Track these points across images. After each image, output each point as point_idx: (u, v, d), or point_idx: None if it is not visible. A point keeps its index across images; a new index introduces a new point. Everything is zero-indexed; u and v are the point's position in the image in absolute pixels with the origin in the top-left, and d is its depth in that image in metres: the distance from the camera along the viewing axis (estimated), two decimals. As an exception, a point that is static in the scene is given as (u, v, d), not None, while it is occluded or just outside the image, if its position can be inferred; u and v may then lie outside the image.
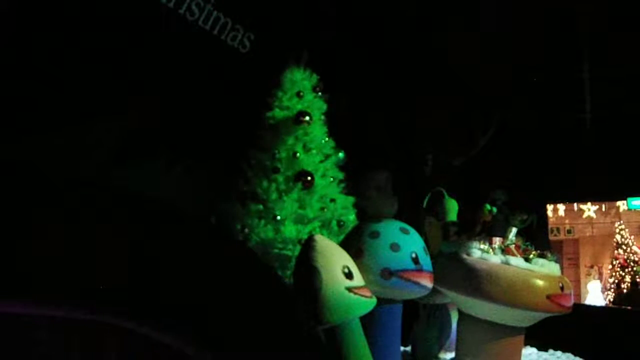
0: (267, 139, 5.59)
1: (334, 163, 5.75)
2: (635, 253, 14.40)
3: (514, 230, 4.73)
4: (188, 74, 6.68)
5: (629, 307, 12.31)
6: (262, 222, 5.22)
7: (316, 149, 5.65)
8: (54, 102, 5.65)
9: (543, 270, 4.45)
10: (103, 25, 5.91)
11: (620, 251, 14.48)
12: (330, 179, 5.63)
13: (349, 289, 3.70)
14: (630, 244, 14.49)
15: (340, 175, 5.75)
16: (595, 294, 14.47)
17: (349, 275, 3.74)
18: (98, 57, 5.90)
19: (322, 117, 5.80)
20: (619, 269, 14.34)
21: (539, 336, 5.42)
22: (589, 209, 15.52)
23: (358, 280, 3.81)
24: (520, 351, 4.76)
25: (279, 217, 5.19)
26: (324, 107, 5.82)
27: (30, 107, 5.53)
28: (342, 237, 4.77)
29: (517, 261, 4.43)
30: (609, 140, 12.36)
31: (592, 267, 15.51)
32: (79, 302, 2.31)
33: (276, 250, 5.08)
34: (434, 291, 4.42)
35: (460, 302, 4.75)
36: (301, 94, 5.72)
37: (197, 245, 2.65)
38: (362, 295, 3.76)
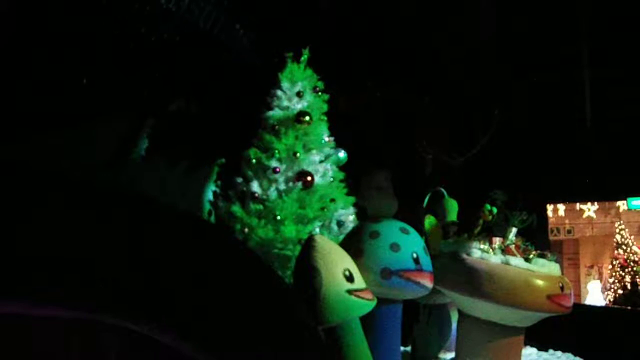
0: (267, 139, 5.59)
1: (334, 163, 5.75)
2: (635, 253, 14.39)
3: (514, 230, 4.73)
4: (188, 74, 6.68)
5: (629, 307, 12.31)
6: (262, 222, 5.22)
7: (316, 149, 5.64)
8: (53, 102, 5.65)
9: (543, 270, 4.45)
10: (102, 25, 5.91)
11: (620, 251, 14.47)
12: (330, 179, 5.63)
13: (350, 292, 3.69)
14: (630, 244, 14.48)
15: (340, 175, 5.75)
16: (595, 294, 14.46)
17: (349, 278, 3.73)
18: (97, 58, 5.90)
19: (323, 117, 5.79)
20: (619, 269, 14.33)
21: (539, 336, 5.42)
22: (589, 209, 15.52)
23: (359, 282, 3.80)
24: (520, 351, 4.76)
25: (279, 217, 5.18)
26: (324, 107, 5.82)
27: (29, 107, 5.53)
28: (342, 237, 4.77)
29: (517, 261, 4.43)
30: (608, 140, 12.37)
31: (592, 267, 15.52)
32: (79, 302, 2.31)
33: (276, 250, 5.07)
34: (434, 291, 4.42)
35: (461, 302, 4.75)
36: (301, 94, 5.71)
37: (197, 245, 2.64)
38: (363, 298, 3.76)
